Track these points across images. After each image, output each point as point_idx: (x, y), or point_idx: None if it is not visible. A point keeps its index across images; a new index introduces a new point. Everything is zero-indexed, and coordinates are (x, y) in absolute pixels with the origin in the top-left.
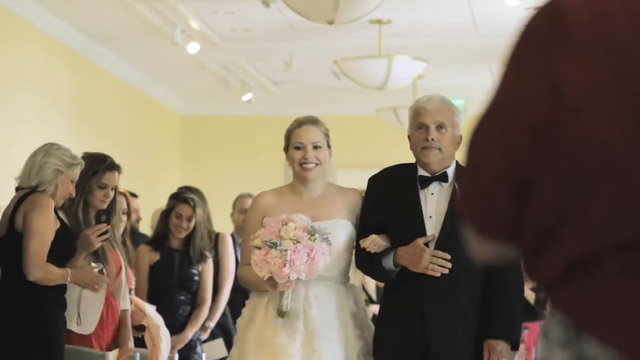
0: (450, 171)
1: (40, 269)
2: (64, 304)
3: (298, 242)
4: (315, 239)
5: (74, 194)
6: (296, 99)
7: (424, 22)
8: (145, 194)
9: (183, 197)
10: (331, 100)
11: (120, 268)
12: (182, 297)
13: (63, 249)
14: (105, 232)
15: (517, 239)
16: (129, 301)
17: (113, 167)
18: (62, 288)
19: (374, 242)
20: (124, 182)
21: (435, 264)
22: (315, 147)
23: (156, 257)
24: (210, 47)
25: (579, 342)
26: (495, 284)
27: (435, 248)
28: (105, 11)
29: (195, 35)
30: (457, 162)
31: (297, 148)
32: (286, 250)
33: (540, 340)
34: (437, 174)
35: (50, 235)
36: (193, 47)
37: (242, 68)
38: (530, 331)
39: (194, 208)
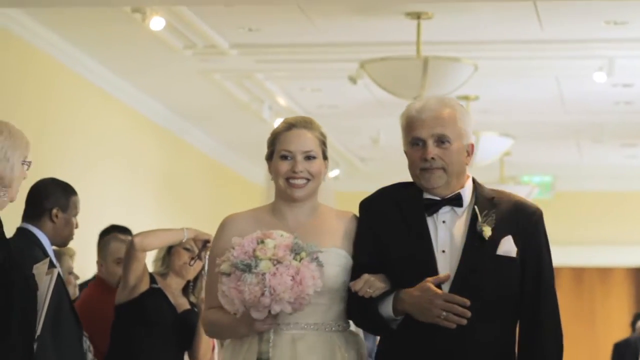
0: (466, 192)
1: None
2: None
3: (279, 262)
4: (301, 259)
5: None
6: (384, 175)
7: (512, 98)
8: None
9: None
10: None
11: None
12: None
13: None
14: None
15: None
16: None
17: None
18: None
19: (368, 284)
20: None
21: (450, 312)
22: (308, 158)
23: None
24: None
25: None
26: (530, 341)
27: (451, 291)
28: (193, 88)
29: (282, 112)
30: (473, 180)
31: (284, 157)
32: (264, 274)
33: None
34: (448, 196)
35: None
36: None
37: (329, 144)
38: None
39: None
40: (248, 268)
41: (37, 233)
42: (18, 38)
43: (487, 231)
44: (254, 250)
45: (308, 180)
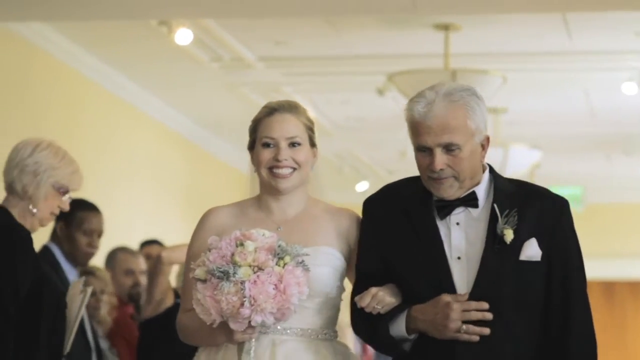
0: (481, 190)
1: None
2: None
3: (260, 269)
4: (285, 264)
5: None
6: None
7: (541, 110)
8: None
9: None
10: None
11: None
12: None
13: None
14: None
15: None
16: None
17: None
18: None
19: (376, 298)
20: None
21: (469, 321)
22: (293, 145)
23: None
24: (324, 136)
25: None
26: (559, 353)
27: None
28: (220, 102)
29: None
30: (490, 172)
31: (266, 145)
32: (243, 283)
33: None
34: (461, 197)
35: None
36: None
37: (357, 157)
38: None
39: None
40: (225, 275)
41: (54, 249)
42: (45, 53)
43: (509, 234)
44: (232, 255)
45: (294, 169)
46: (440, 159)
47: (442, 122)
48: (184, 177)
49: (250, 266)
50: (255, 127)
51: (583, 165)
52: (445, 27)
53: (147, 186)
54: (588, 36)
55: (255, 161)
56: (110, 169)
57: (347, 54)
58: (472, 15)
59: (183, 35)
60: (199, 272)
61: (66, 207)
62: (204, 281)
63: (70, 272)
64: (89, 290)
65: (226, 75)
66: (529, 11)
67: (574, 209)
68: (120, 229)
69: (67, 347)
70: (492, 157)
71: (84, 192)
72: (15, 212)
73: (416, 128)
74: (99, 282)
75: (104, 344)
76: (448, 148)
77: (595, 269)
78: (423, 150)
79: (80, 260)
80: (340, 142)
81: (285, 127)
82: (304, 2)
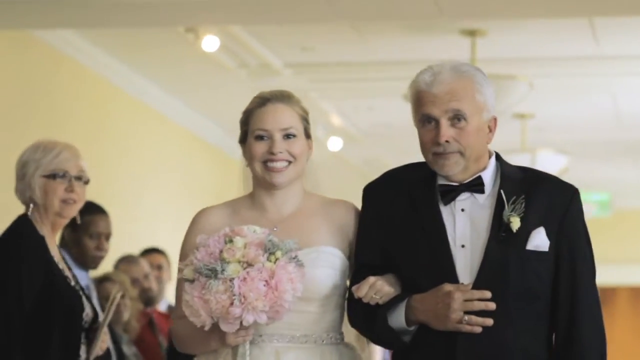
0: (488, 175)
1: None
2: None
3: (250, 265)
4: (276, 259)
5: None
6: None
7: (568, 115)
8: None
9: None
10: None
11: None
12: None
13: None
14: None
15: None
16: None
17: None
18: None
19: (374, 288)
20: None
21: (471, 311)
22: (287, 136)
23: None
24: (351, 143)
25: None
26: (566, 348)
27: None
28: (245, 107)
29: (336, 131)
30: (497, 158)
31: (260, 138)
32: (232, 280)
33: None
34: (466, 181)
35: None
36: (334, 143)
37: (384, 163)
38: None
39: None
40: (213, 273)
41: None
42: (71, 59)
43: (516, 222)
44: (221, 252)
45: (289, 162)
46: (446, 130)
47: (450, 88)
48: (210, 183)
49: (239, 262)
50: (247, 119)
51: (611, 170)
52: (472, 33)
53: (173, 192)
54: (615, 41)
55: (248, 155)
56: (136, 175)
57: (373, 60)
58: (498, 20)
59: (210, 42)
60: (186, 272)
61: (79, 189)
62: (192, 281)
63: (82, 277)
64: (118, 296)
65: (253, 82)
66: (555, 16)
67: (603, 215)
68: (144, 235)
69: (94, 354)
70: (520, 162)
71: (109, 199)
72: (34, 221)
73: (421, 99)
74: (116, 286)
75: (127, 350)
76: (455, 118)
77: (623, 275)
78: (428, 122)
79: (89, 264)
80: (367, 149)
81: (278, 118)
82: (330, 8)
